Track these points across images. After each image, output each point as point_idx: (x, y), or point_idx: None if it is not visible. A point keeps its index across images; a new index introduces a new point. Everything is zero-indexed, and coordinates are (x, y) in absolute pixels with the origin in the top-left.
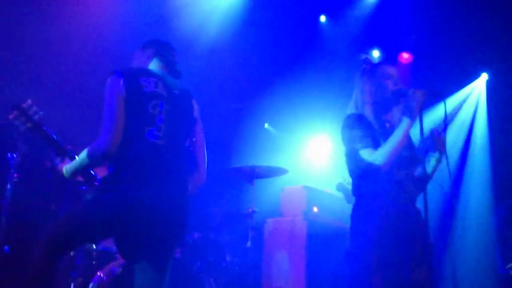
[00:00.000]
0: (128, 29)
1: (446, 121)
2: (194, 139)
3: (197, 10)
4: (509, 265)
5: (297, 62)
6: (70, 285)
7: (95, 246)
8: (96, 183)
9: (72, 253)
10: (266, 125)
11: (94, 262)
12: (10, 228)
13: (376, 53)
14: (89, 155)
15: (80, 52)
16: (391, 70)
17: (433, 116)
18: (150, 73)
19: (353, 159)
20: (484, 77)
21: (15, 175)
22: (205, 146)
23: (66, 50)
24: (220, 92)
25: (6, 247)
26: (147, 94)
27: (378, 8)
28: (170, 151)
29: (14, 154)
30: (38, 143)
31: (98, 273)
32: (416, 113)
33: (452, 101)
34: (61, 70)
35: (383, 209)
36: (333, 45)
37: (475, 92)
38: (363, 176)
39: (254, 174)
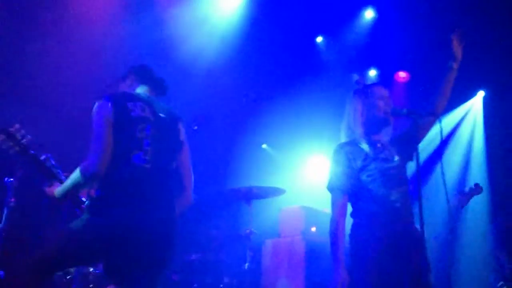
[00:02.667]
0: (125, 53)
1: (442, 139)
2: (181, 162)
3: (196, 32)
4: (500, 284)
5: (294, 82)
6: None
7: (92, 269)
8: (83, 206)
9: (69, 277)
10: (263, 146)
11: (90, 286)
12: (6, 252)
13: (372, 72)
14: (77, 177)
15: (77, 77)
16: (383, 91)
17: (430, 134)
18: (136, 98)
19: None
20: (480, 94)
21: (12, 199)
22: (192, 168)
23: (62, 73)
24: (217, 113)
25: (1, 272)
26: (134, 118)
27: (374, 28)
28: (157, 174)
29: (11, 179)
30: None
31: None
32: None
33: (449, 119)
34: (55, 92)
35: (380, 230)
36: (330, 65)
37: (472, 110)
38: (359, 197)
39: (252, 195)
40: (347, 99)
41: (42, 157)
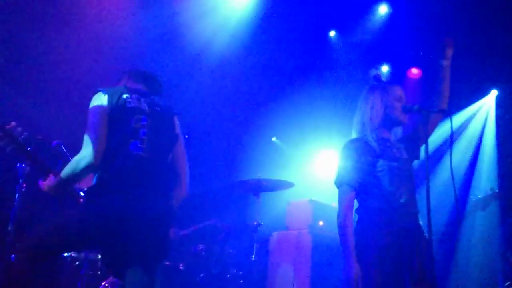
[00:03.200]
0: (138, 42)
1: (452, 137)
2: (176, 155)
3: (207, 23)
4: (507, 283)
5: (305, 76)
6: None
7: (100, 256)
8: (81, 199)
9: (77, 263)
10: (273, 139)
11: (99, 272)
12: (18, 237)
13: (385, 68)
14: (73, 169)
15: (89, 68)
16: (400, 92)
17: (440, 132)
18: (133, 91)
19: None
20: (493, 93)
21: (24, 185)
22: (187, 162)
23: (75, 60)
24: (228, 105)
25: (12, 256)
26: (130, 109)
27: (387, 23)
28: (153, 163)
29: (23, 164)
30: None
31: (103, 283)
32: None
33: (461, 117)
34: (66, 83)
35: (385, 227)
36: (342, 60)
37: (484, 108)
38: (366, 193)
39: (260, 187)
40: (362, 94)
41: (54, 143)
